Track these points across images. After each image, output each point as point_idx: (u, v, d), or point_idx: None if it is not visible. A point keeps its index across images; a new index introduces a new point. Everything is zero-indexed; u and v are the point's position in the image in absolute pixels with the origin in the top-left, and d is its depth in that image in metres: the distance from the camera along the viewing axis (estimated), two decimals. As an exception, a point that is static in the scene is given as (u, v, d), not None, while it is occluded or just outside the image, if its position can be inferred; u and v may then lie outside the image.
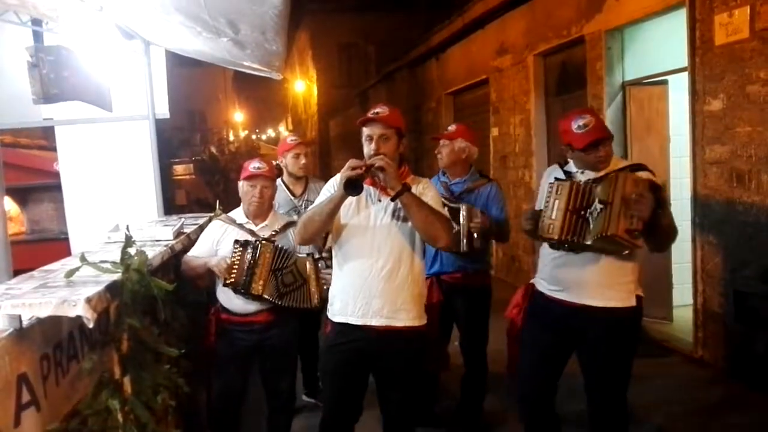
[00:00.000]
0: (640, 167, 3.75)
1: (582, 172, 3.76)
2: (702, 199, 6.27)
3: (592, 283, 3.67)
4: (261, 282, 4.03)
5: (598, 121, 3.70)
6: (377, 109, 3.51)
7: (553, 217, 3.62)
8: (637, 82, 7.71)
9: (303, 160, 5.48)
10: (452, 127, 5.13)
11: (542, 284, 3.93)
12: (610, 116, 7.77)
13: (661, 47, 7.36)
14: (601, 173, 3.66)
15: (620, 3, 7.39)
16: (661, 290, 7.57)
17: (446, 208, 4.60)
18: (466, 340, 5.03)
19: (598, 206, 3.48)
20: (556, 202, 3.62)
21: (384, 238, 3.45)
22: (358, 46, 27.89)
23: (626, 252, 3.61)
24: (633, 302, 3.70)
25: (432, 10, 16.75)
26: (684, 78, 6.52)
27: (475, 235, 4.61)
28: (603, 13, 7.74)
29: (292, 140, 5.62)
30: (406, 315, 3.48)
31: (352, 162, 3.29)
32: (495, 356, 4.96)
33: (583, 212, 3.54)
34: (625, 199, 3.38)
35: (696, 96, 6.25)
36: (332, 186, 3.55)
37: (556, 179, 3.78)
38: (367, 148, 3.45)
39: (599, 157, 3.66)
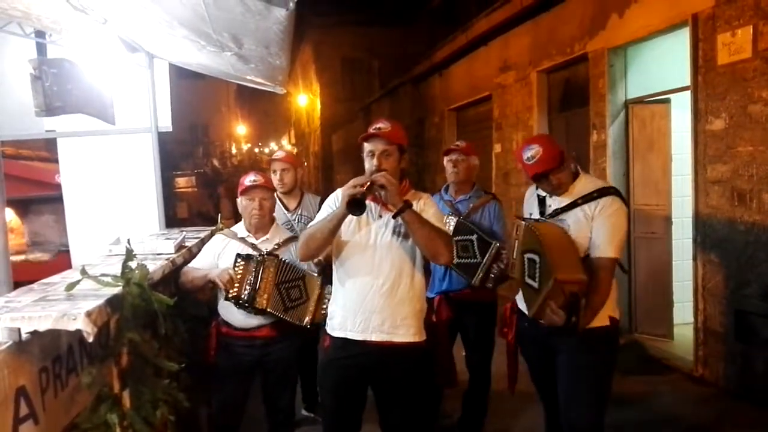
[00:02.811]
0: (609, 191, 3.70)
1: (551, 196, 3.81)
2: (703, 218, 6.27)
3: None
4: (265, 296, 4.01)
5: (546, 151, 3.62)
6: (379, 125, 3.49)
7: (514, 257, 3.73)
8: (640, 101, 7.72)
9: (278, 176, 5.34)
10: (462, 143, 5.10)
11: (522, 303, 3.92)
12: (612, 134, 7.79)
13: (663, 66, 7.38)
14: (566, 202, 3.69)
15: (623, 21, 7.41)
16: (662, 308, 7.57)
17: (475, 236, 4.62)
18: (472, 356, 5.01)
19: (535, 258, 3.55)
20: (516, 242, 3.72)
21: (385, 255, 3.44)
22: (362, 60, 27.93)
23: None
24: (606, 322, 3.65)
25: (436, 25, 16.80)
26: (686, 97, 6.53)
27: (492, 275, 4.60)
28: (606, 31, 7.76)
29: (275, 155, 5.56)
30: (406, 331, 3.47)
31: (354, 180, 3.28)
32: (496, 374, 4.95)
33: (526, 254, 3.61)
34: (548, 297, 3.43)
35: (698, 115, 6.26)
36: (333, 202, 3.54)
37: (517, 218, 3.88)
38: (369, 164, 3.44)
39: (552, 186, 3.71)
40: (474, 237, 4.63)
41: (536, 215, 3.86)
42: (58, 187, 6.58)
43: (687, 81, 6.45)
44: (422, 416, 5.14)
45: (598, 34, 7.94)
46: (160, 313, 3.21)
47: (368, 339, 3.44)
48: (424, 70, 15.58)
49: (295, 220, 5.30)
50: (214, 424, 4.32)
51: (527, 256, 3.62)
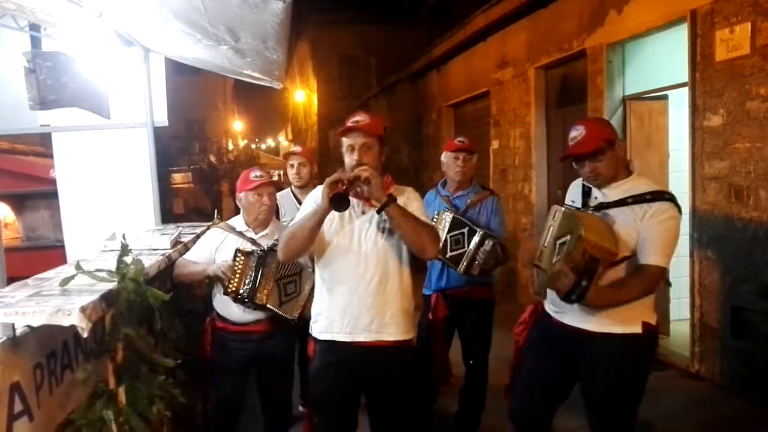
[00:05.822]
0: (664, 196, 3.51)
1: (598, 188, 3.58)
2: (700, 214, 6.26)
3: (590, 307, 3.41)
4: (265, 291, 4.00)
5: (588, 135, 3.44)
6: (357, 118, 3.40)
7: (545, 244, 3.53)
8: (638, 97, 7.69)
9: (295, 169, 5.51)
10: (466, 140, 5.01)
11: (549, 306, 3.74)
12: (610, 130, 7.75)
13: (661, 62, 7.36)
14: (614, 198, 3.46)
15: (622, 17, 7.39)
16: (658, 304, 7.45)
17: (467, 228, 4.60)
18: (470, 353, 5.00)
19: (567, 239, 3.34)
20: (551, 228, 3.52)
21: (370, 252, 3.33)
22: (359, 57, 27.88)
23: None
24: (637, 329, 3.41)
25: (433, 22, 16.77)
26: (684, 93, 6.52)
27: (476, 262, 4.59)
28: (604, 27, 7.74)
29: (293, 149, 5.66)
30: (395, 329, 3.38)
31: (335, 175, 3.16)
32: (493, 369, 4.96)
33: (559, 239, 3.41)
34: (566, 257, 3.27)
35: (696, 111, 6.25)
36: (315, 199, 3.41)
37: (557, 204, 3.66)
38: (349, 159, 3.33)
39: (586, 173, 3.51)
40: (465, 229, 4.64)
41: (578, 204, 3.65)
42: (54, 182, 6.54)
43: (685, 77, 6.43)
44: (415, 417, 5.15)
45: (596, 30, 7.92)
46: (156, 309, 3.19)
47: (356, 340, 3.35)
48: (421, 67, 15.56)
49: None
50: (212, 420, 4.29)
51: (560, 241, 3.40)
